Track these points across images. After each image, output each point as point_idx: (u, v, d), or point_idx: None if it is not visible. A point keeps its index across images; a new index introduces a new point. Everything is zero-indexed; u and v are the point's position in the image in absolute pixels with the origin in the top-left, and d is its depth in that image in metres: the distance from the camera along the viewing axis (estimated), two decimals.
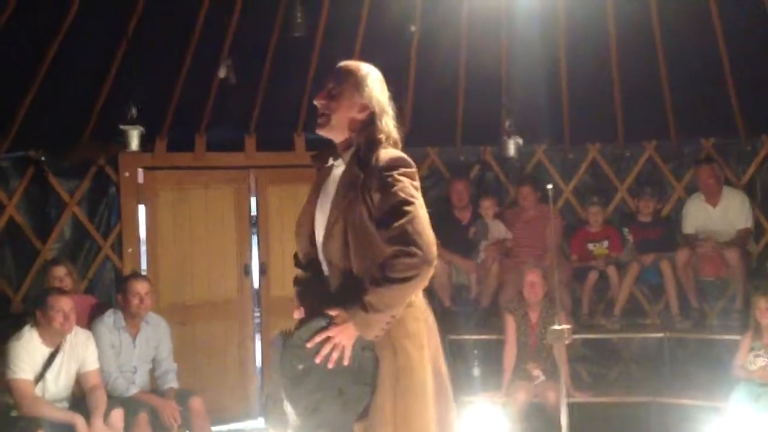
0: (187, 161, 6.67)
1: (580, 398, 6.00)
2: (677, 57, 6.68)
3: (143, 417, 5.02)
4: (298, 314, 3.04)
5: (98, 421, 4.81)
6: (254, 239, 6.94)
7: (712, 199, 6.71)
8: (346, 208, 2.85)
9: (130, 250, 6.38)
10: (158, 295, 5.74)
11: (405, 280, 2.73)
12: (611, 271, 6.70)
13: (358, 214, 2.82)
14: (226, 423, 6.29)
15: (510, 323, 6.12)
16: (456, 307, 6.83)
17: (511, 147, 6.93)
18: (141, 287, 5.37)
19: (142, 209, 6.54)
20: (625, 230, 6.96)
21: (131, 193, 6.44)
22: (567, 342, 5.13)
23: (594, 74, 6.94)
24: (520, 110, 7.02)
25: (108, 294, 6.33)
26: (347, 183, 2.87)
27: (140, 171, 6.50)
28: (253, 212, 6.98)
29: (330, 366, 2.79)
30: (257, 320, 6.90)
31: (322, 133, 2.98)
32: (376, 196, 2.80)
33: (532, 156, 7.41)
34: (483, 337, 6.58)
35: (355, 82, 2.94)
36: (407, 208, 2.78)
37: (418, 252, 2.75)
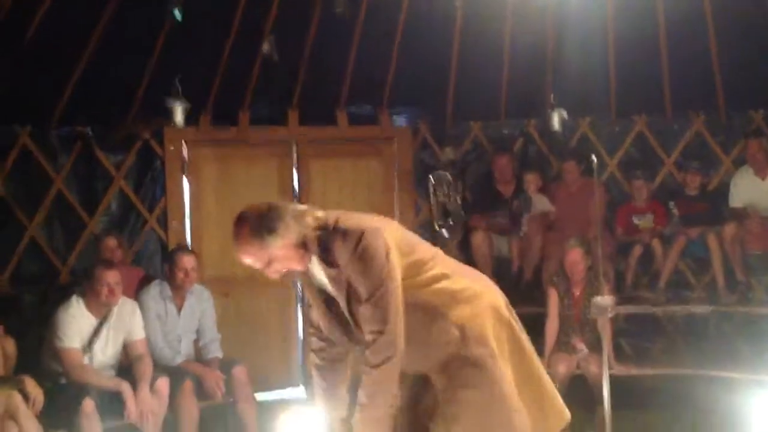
0: (230, 136, 6.74)
1: (623, 371, 5.95)
2: (727, 28, 6.54)
3: (188, 385, 5.10)
4: None
5: (144, 389, 4.91)
6: None
7: (761, 172, 6.59)
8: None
9: (174, 223, 6.48)
10: (202, 267, 5.81)
11: (375, 366, 2.82)
12: (656, 244, 6.61)
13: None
14: (269, 391, 6.38)
15: (553, 296, 6.08)
16: (497, 280, 6.78)
17: (556, 120, 6.87)
18: (188, 262, 5.44)
19: (186, 183, 6.62)
20: (671, 204, 6.86)
21: (176, 167, 6.53)
22: (610, 315, 5.10)
23: (642, 45, 6.82)
24: (565, 83, 6.94)
25: (153, 266, 6.45)
26: (336, 282, 2.92)
27: (185, 145, 6.58)
28: (296, 187, 7.01)
29: None
30: (298, 292, 6.95)
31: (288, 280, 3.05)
32: (354, 269, 2.86)
33: (576, 129, 7.32)
34: (525, 310, 6.53)
35: (263, 243, 2.87)
36: (380, 288, 2.84)
37: (384, 331, 2.82)
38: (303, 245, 2.90)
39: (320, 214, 2.97)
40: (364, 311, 2.86)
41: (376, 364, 2.83)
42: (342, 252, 2.87)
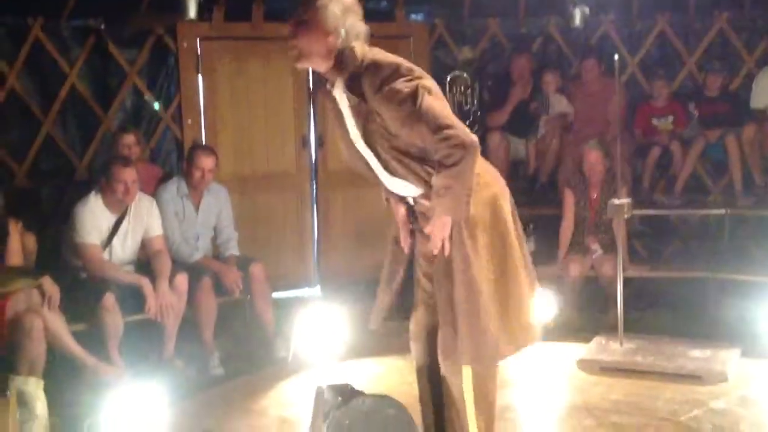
0: (244, 31, 6.60)
1: (636, 273, 6.00)
2: None
3: (207, 281, 5.17)
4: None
5: (164, 283, 4.97)
6: (312, 111, 6.91)
7: None
8: (375, 133, 3.05)
9: (189, 121, 6.42)
10: (218, 165, 5.80)
11: (454, 164, 2.94)
12: (675, 146, 6.55)
13: (386, 132, 3.02)
14: (285, 290, 6.47)
15: (569, 198, 6.07)
16: (512, 182, 6.75)
17: (577, 17, 6.73)
18: (206, 162, 5.40)
19: (201, 80, 6.53)
20: (691, 105, 6.75)
21: (190, 63, 6.42)
22: (626, 216, 5.11)
23: None
24: None
25: (168, 163, 6.45)
26: (356, 113, 3.07)
27: (198, 41, 6.46)
28: (311, 84, 6.91)
29: (446, 254, 3.09)
30: (314, 192, 6.96)
31: (300, 66, 3.13)
32: (388, 114, 2.96)
33: (597, 27, 7.15)
34: (540, 212, 6.55)
35: (316, 12, 2.99)
36: (418, 109, 2.92)
37: (450, 134, 2.93)
38: (334, 48, 2.99)
39: (366, 47, 3.05)
40: (413, 134, 2.97)
41: (451, 163, 2.95)
42: (371, 83, 2.95)
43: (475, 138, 2.97)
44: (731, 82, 6.86)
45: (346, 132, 3.16)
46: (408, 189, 3.19)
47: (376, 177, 3.23)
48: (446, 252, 3.09)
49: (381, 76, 2.94)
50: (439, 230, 3.07)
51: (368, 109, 3.00)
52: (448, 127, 2.92)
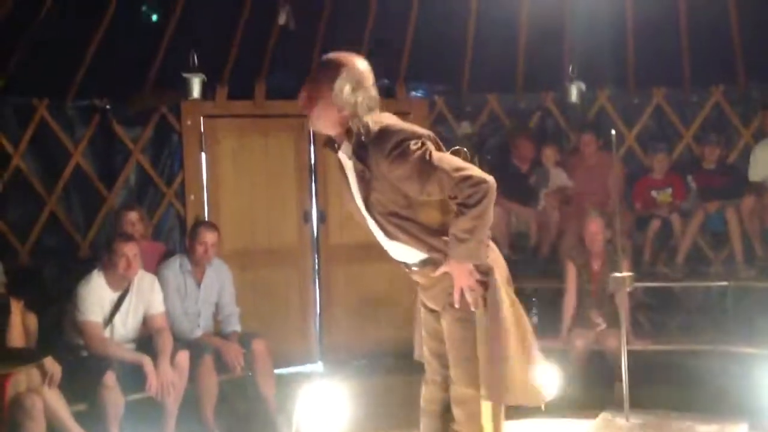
0: (247, 109, 6.72)
1: (641, 346, 5.95)
2: None
3: (208, 359, 5.14)
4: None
5: (165, 362, 4.95)
6: (313, 187, 6.97)
7: None
8: (375, 201, 3.11)
9: (192, 197, 6.49)
10: (220, 241, 5.83)
11: (478, 202, 3.00)
12: (674, 218, 6.58)
13: (391, 198, 3.08)
14: (287, 366, 6.42)
15: (571, 271, 6.07)
16: (515, 255, 6.78)
17: (574, 92, 6.84)
18: (209, 237, 5.46)
19: (204, 157, 6.61)
20: (689, 178, 6.81)
21: (193, 140, 6.53)
22: (629, 289, 5.09)
23: (660, 15, 6.75)
24: (583, 54, 6.88)
25: (171, 240, 6.47)
26: (360, 179, 3.12)
27: (202, 119, 6.57)
28: (312, 160, 6.99)
29: (473, 309, 3.13)
30: (316, 266, 6.96)
31: (312, 128, 3.27)
32: (401, 172, 3.02)
33: (594, 101, 7.27)
34: (542, 285, 6.54)
35: (327, 85, 3.08)
36: (430, 161, 3.01)
37: (470, 174, 3.01)
38: (345, 121, 3.08)
39: (376, 116, 3.14)
40: (430, 185, 3.03)
41: (475, 203, 3.01)
42: (381, 149, 3.02)
43: (491, 178, 3.05)
44: (728, 154, 6.94)
45: (351, 194, 3.22)
46: (408, 254, 3.20)
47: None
48: (474, 306, 3.12)
49: (392, 141, 3.02)
50: (463, 278, 3.11)
51: (372, 177, 3.07)
52: (466, 168, 3.03)
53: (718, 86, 7.04)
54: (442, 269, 3.13)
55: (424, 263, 3.19)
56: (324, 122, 3.13)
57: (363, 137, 3.07)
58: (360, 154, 3.07)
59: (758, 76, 6.89)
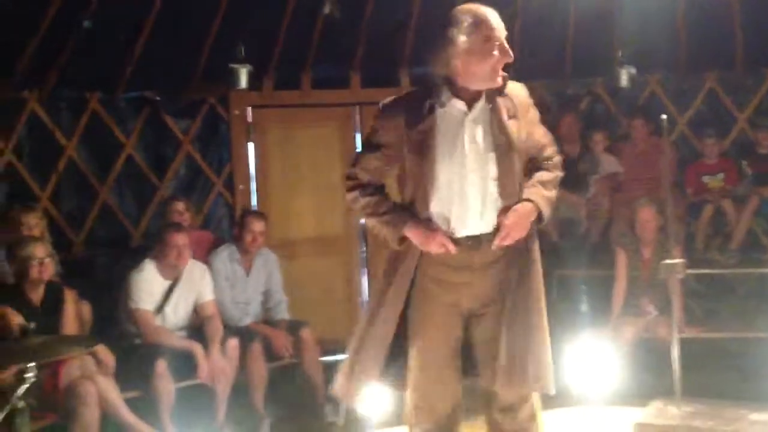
0: (293, 99, 6.75)
1: (692, 333, 5.86)
2: None
3: (257, 346, 5.20)
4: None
5: (215, 349, 5.02)
6: None
7: None
8: (508, 142, 3.08)
9: (241, 186, 6.55)
10: (268, 230, 5.88)
11: (560, 171, 3.27)
12: (727, 204, 6.46)
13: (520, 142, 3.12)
14: (335, 354, 6.43)
15: (621, 258, 5.99)
16: (564, 242, 6.73)
17: (624, 77, 6.72)
18: (257, 225, 5.53)
19: (251, 147, 6.67)
20: (744, 163, 6.67)
21: (241, 131, 6.58)
22: (680, 277, 5.01)
23: None
24: (633, 38, 6.76)
25: (220, 229, 6.55)
26: (490, 127, 3.06)
27: (249, 109, 6.62)
28: (359, 149, 7.00)
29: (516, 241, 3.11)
30: (363, 255, 6.98)
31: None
32: (532, 119, 3.18)
33: (645, 86, 7.14)
34: (592, 272, 6.47)
35: None
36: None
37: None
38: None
39: None
40: (544, 141, 3.24)
41: (561, 169, 3.27)
42: (518, 99, 3.14)
43: None
44: None
45: (454, 150, 3.05)
46: (484, 222, 3.09)
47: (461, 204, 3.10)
48: (515, 239, 3.07)
49: (526, 89, 3.19)
50: (522, 228, 3.06)
51: (504, 127, 3.06)
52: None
53: None
54: (515, 212, 3.05)
55: (495, 232, 3.08)
56: (475, 56, 3.01)
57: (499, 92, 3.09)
58: (497, 103, 3.07)
59: None
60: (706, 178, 6.66)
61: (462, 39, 2.99)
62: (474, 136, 3.05)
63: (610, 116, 7.26)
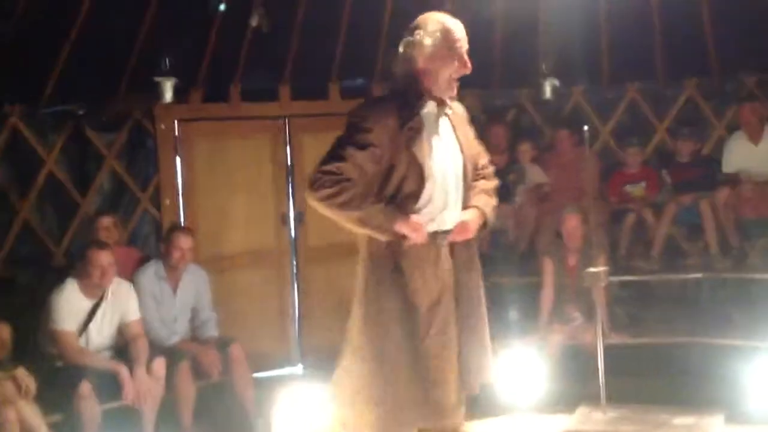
0: (222, 112, 6.70)
1: (618, 339, 5.98)
2: None
3: (185, 365, 5.13)
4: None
5: (141, 369, 4.94)
6: (290, 188, 6.96)
7: (755, 137, 6.56)
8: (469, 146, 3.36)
9: (168, 201, 6.45)
10: (197, 245, 5.82)
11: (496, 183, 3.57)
12: (647, 212, 6.63)
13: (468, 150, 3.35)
14: (266, 370, 6.40)
15: (548, 266, 6.10)
16: (493, 251, 6.82)
17: (548, 89, 6.86)
18: (184, 242, 5.46)
19: (179, 161, 6.59)
20: (664, 171, 6.85)
21: (168, 145, 6.49)
22: (604, 284, 5.13)
23: (633, 10, 6.76)
24: (557, 51, 6.90)
25: (147, 246, 6.44)
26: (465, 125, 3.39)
27: (176, 123, 6.54)
28: (289, 161, 6.98)
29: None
30: (294, 269, 6.96)
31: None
32: (472, 138, 3.44)
33: (569, 98, 7.29)
34: (520, 281, 6.56)
35: None
36: None
37: None
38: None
39: None
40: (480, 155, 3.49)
41: (495, 181, 3.50)
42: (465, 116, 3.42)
43: None
44: (702, 147, 6.97)
45: (438, 149, 3.25)
46: (452, 221, 3.29)
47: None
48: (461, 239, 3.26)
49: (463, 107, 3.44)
50: (472, 224, 3.29)
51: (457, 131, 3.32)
52: None
53: (692, 79, 7.07)
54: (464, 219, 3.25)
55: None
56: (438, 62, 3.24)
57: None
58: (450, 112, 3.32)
59: (731, 69, 6.93)
60: (628, 187, 6.81)
61: (428, 42, 3.16)
62: (446, 137, 3.28)
63: (535, 127, 7.39)
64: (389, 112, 3.17)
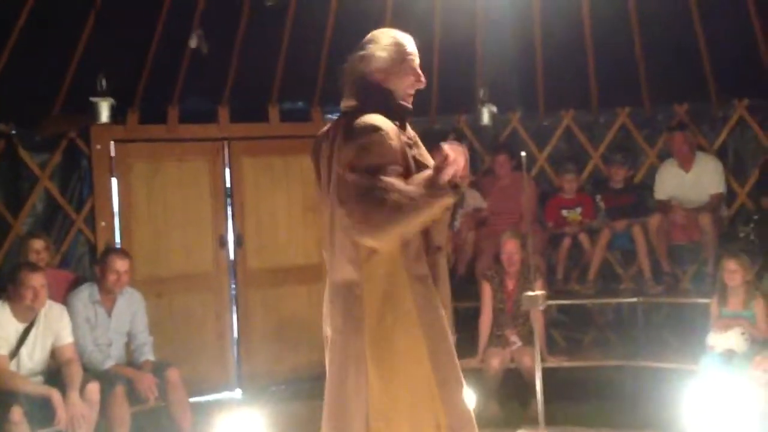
0: (159, 133, 6.62)
1: (555, 363, 6.07)
2: (650, 23, 6.68)
3: (120, 390, 5.02)
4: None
5: (74, 394, 4.81)
6: (229, 211, 6.90)
7: (686, 164, 6.74)
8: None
9: (103, 223, 6.33)
10: (133, 268, 5.71)
11: None
12: (583, 237, 6.76)
13: None
14: (204, 394, 6.30)
15: (486, 291, 6.16)
16: None
17: (486, 115, 6.95)
18: (120, 264, 5.36)
19: (115, 182, 6.48)
20: (598, 197, 7.00)
21: (103, 166, 6.38)
22: (542, 308, 5.18)
23: (567, 41, 6.94)
24: (494, 78, 7.01)
25: (81, 268, 6.30)
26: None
27: (112, 143, 6.44)
28: (228, 184, 6.93)
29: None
30: (233, 292, 6.88)
31: None
32: None
33: (506, 124, 7.43)
34: (459, 305, 6.59)
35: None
36: None
37: None
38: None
39: None
40: None
41: None
42: None
43: None
44: (635, 174, 7.15)
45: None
46: None
47: None
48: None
49: None
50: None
51: None
52: None
53: (624, 108, 7.26)
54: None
55: None
56: (397, 77, 3.10)
57: None
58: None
59: (662, 98, 7.14)
60: (564, 212, 6.93)
61: (381, 55, 3.05)
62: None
63: (473, 152, 7.48)
64: (393, 125, 2.96)
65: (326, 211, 3.05)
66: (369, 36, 3.16)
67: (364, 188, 2.77)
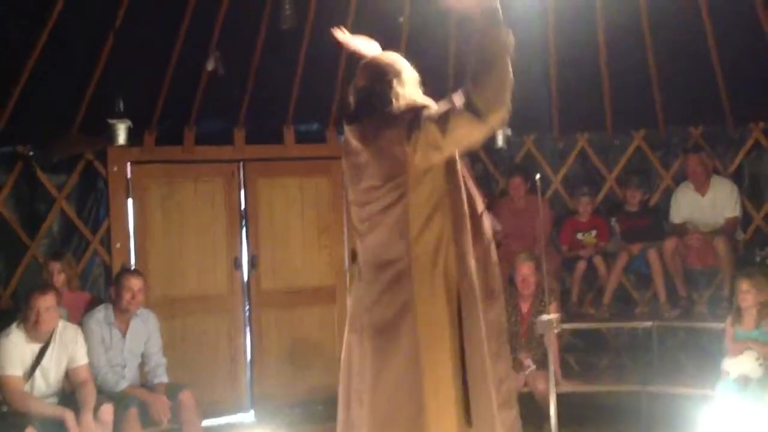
0: (176, 155, 6.66)
1: (570, 387, 6.02)
2: (665, 45, 6.68)
3: (133, 412, 5.03)
4: None
5: (88, 416, 4.82)
6: (244, 232, 6.92)
7: (701, 187, 6.71)
8: None
9: (118, 245, 6.37)
10: (148, 289, 5.73)
11: None
12: (598, 260, 6.73)
13: None
14: (217, 416, 6.30)
15: None
16: None
17: (500, 138, 6.95)
18: (135, 283, 5.38)
19: (131, 203, 6.52)
20: (612, 220, 6.98)
21: (120, 187, 6.43)
22: (556, 331, 5.15)
23: (582, 63, 6.94)
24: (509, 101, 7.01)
25: (97, 289, 6.33)
26: None
27: (129, 165, 6.49)
28: (243, 205, 6.96)
29: None
30: (247, 313, 6.89)
31: None
32: None
33: (521, 146, 7.42)
34: None
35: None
36: None
37: None
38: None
39: None
40: None
41: None
42: None
43: None
44: (650, 197, 7.12)
45: None
46: None
47: None
48: None
49: None
50: None
51: None
52: None
53: (639, 131, 7.25)
54: None
55: None
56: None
57: None
58: None
59: (677, 121, 7.12)
60: (579, 235, 6.91)
61: (409, 74, 3.24)
62: None
63: (488, 175, 7.48)
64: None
65: (368, 195, 3.13)
66: (382, 64, 3.29)
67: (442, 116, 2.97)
